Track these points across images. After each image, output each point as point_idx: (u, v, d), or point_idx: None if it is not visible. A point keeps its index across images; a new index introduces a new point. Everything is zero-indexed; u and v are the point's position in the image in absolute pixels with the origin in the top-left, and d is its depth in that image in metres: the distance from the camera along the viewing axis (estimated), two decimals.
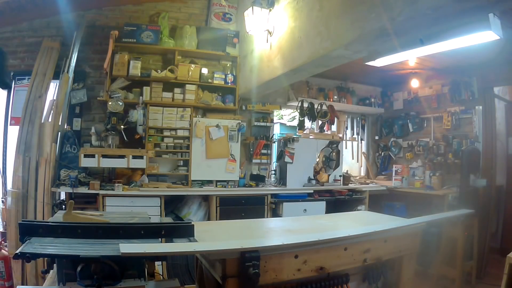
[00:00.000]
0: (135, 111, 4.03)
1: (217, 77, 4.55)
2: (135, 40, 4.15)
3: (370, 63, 4.35)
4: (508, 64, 3.90)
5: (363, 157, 6.08)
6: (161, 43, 4.30)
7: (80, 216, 1.84)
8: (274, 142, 5.03)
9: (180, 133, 4.28)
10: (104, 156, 3.74)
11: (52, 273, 1.82)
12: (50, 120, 3.89)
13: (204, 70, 4.50)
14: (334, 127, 5.63)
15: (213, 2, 4.70)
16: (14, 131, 4.02)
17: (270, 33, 3.69)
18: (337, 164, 5.00)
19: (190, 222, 1.91)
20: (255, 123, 4.94)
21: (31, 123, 3.85)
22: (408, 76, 5.40)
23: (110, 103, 3.87)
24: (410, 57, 4.30)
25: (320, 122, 5.17)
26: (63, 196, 3.81)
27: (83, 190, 3.63)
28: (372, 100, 5.85)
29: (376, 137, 6.09)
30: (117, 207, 3.60)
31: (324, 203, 4.53)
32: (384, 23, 2.21)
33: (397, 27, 2.22)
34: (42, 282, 1.74)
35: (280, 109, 5.54)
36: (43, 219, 3.46)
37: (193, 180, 4.28)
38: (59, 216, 1.98)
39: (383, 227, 2.16)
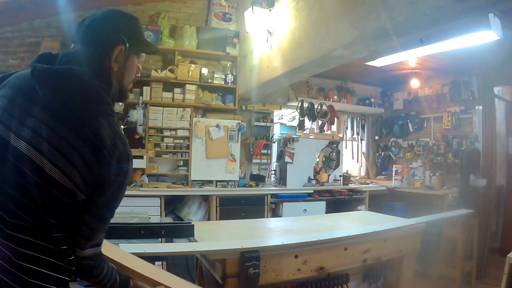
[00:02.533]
0: (135, 111, 4.03)
1: (217, 77, 4.54)
2: None
3: (370, 63, 4.35)
4: (508, 64, 3.90)
5: (363, 157, 6.08)
6: (161, 43, 4.30)
7: None
8: (274, 142, 5.02)
9: (180, 133, 4.28)
10: None
11: None
12: None
13: (204, 70, 4.50)
14: (334, 127, 5.63)
15: (213, 2, 4.69)
16: None
17: (270, 33, 3.68)
18: (337, 164, 5.00)
19: (190, 222, 1.91)
20: (255, 123, 4.94)
21: None
22: (408, 76, 5.39)
23: None
24: (410, 57, 4.29)
25: (320, 122, 5.17)
26: None
27: None
28: (372, 100, 5.85)
29: (376, 137, 6.09)
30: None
31: (324, 203, 4.53)
32: (384, 23, 2.21)
33: (397, 27, 2.22)
34: None
35: (280, 109, 5.54)
36: None
37: (193, 180, 4.27)
38: None
39: (383, 227, 2.17)
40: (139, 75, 1.05)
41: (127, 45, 0.98)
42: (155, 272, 1.31)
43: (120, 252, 1.23)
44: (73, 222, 0.90)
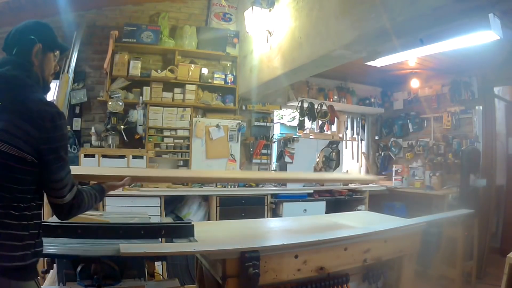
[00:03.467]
0: (135, 111, 4.03)
1: (217, 77, 4.55)
2: (135, 40, 4.15)
3: (370, 63, 4.35)
4: (508, 64, 3.90)
5: (363, 157, 6.07)
6: (161, 43, 4.30)
7: (80, 216, 1.84)
8: (274, 142, 5.02)
9: (180, 133, 4.28)
10: (104, 156, 3.74)
11: (52, 273, 1.82)
12: None
13: (204, 70, 4.50)
14: (334, 127, 5.63)
15: (213, 2, 4.70)
16: None
17: (270, 33, 3.69)
18: (337, 164, 5.00)
19: (190, 222, 1.91)
20: (255, 123, 4.94)
21: None
22: (408, 76, 5.39)
23: (110, 103, 3.87)
24: (410, 57, 4.29)
25: (320, 122, 5.17)
26: None
27: None
28: (372, 100, 5.85)
29: (376, 137, 6.09)
30: (117, 207, 3.59)
31: (324, 203, 4.53)
32: (384, 23, 2.21)
33: (397, 27, 2.22)
34: (42, 282, 1.74)
35: (280, 109, 5.54)
36: (43, 219, 3.45)
37: None
38: None
39: (383, 227, 2.17)
40: (57, 69, 1.36)
41: (43, 44, 1.26)
42: (120, 170, 1.49)
43: (83, 168, 1.45)
44: (35, 183, 1.14)
